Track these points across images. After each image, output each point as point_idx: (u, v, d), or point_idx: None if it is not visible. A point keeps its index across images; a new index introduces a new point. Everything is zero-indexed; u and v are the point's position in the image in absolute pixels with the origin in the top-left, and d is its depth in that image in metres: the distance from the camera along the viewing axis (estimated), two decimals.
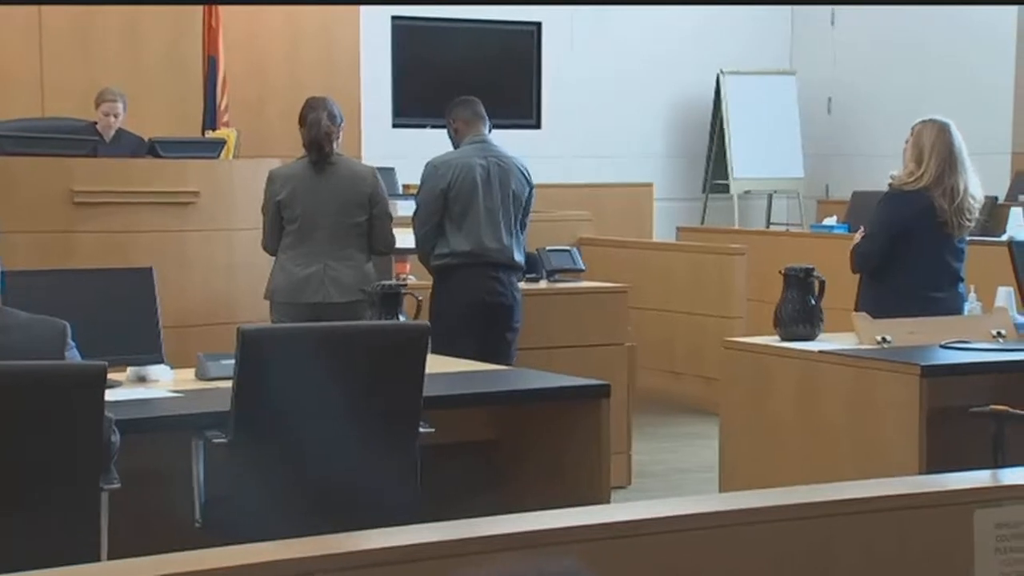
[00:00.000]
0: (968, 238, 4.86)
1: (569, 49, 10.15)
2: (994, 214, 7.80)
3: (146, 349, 3.57)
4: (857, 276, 4.86)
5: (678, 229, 9.21)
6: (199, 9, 7.93)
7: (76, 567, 1.66)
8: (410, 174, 6.34)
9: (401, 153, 8.24)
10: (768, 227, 10.45)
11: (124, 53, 7.88)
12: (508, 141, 9.16)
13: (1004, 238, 6.78)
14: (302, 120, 4.95)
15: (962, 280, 4.80)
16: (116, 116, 6.79)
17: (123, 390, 3.42)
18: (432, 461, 3.65)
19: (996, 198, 8.15)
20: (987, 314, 4.63)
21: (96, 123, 6.78)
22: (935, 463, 3.97)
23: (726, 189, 10.20)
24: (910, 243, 4.68)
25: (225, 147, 6.33)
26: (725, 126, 10.14)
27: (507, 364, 4.83)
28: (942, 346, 4.34)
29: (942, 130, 4.70)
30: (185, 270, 5.59)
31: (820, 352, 4.31)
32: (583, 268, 5.85)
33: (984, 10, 9.62)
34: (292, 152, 5.14)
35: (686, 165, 10.56)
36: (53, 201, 5.41)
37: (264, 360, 3.00)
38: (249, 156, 6.64)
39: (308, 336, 3.12)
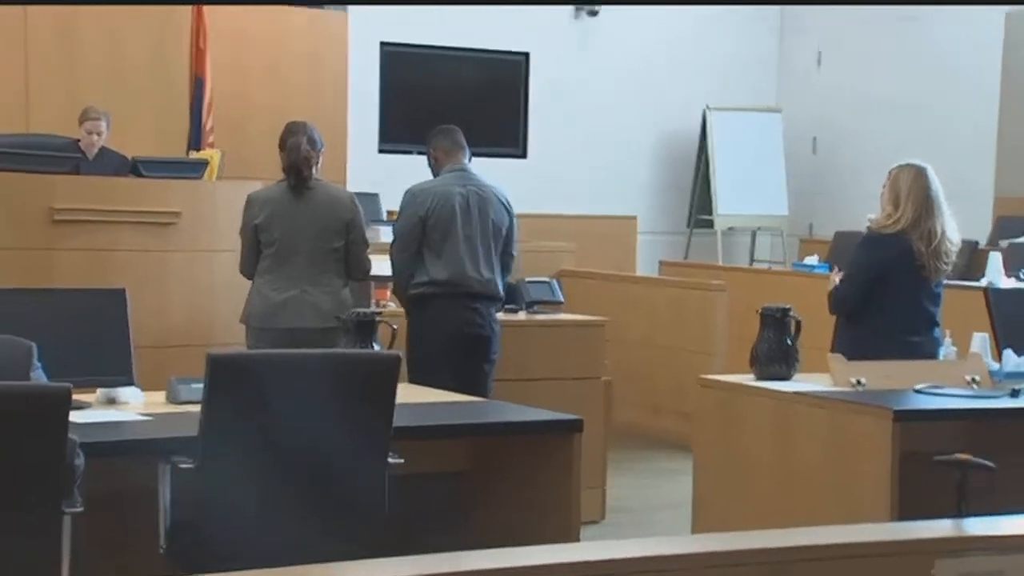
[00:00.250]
0: (945, 283, 4.87)
1: (557, 79, 10.19)
2: (974, 259, 7.83)
3: (117, 371, 3.55)
4: (835, 317, 4.87)
5: (661, 263, 9.22)
6: (186, 29, 7.94)
7: None
8: (395, 200, 6.34)
9: (386, 179, 8.24)
10: (751, 264, 10.47)
11: (110, 72, 7.88)
12: (493, 170, 9.21)
13: (983, 282, 6.80)
14: (282, 144, 4.95)
15: (938, 325, 4.81)
16: (99, 134, 6.78)
17: (92, 412, 3.39)
18: (402, 491, 3.63)
19: (977, 243, 8.19)
20: (962, 360, 4.63)
21: (79, 141, 6.77)
22: (908, 507, 3.97)
23: (710, 224, 10.23)
24: (888, 286, 4.69)
25: (208, 168, 6.32)
26: (710, 161, 10.17)
27: (484, 395, 4.82)
28: (916, 390, 4.34)
29: (919, 174, 4.72)
30: (165, 290, 5.57)
31: (794, 393, 4.30)
32: (562, 300, 5.85)
33: (969, 54, 9.70)
34: (276, 175, 5.13)
35: (671, 199, 10.59)
36: (33, 218, 5.39)
37: (232, 386, 2.98)
38: (233, 177, 6.64)
39: (277, 363, 3.10)
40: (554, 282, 5.86)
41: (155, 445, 3.15)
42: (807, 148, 10.75)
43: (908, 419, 4.04)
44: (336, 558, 2.20)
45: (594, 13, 10.27)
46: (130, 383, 3.58)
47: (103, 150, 6.79)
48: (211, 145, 7.83)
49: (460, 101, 9.95)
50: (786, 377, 4.44)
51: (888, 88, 10.15)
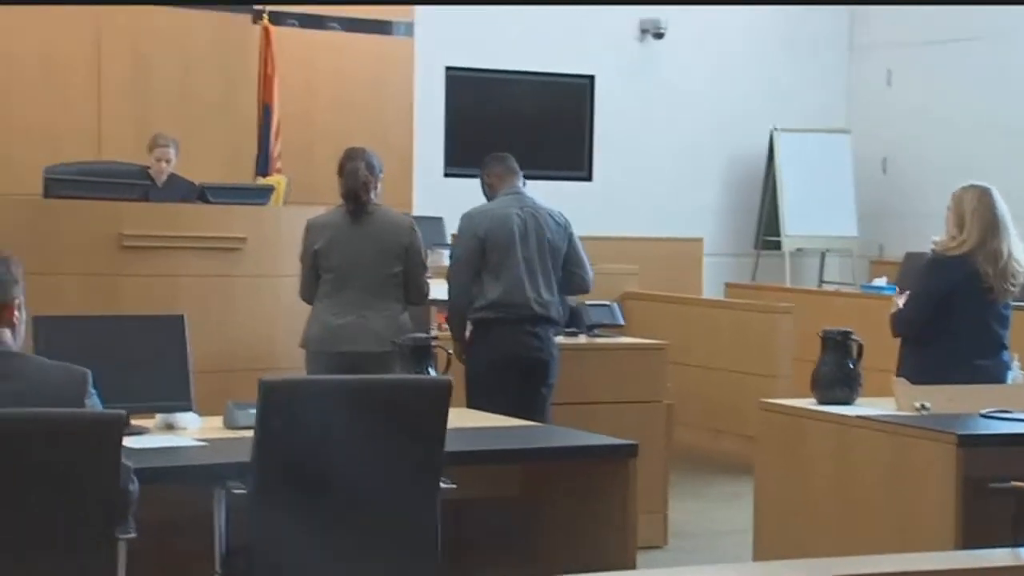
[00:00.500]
0: (1014, 304, 4.79)
1: (622, 102, 10.17)
2: None
3: (175, 396, 3.59)
4: (900, 339, 4.81)
5: (726, 285, 9.15)
6: (254, 57, 8.06)
7: None
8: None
9: (452, 202, 8.27)
10: (820, 286, 10.36)
11: (181, 99, 8.00)
12: (559, 193, 9.25)
13: None
14: (340, 170, 4.99)
15: (1006, 347, 4.72)
16: (168, 161, 6.89)
17: (149, 437, 3.44)
18: (455, 517, 3.63)
19: None
20: None
21: (149, 168, 6.89)
22: (973, 535, 3.89)
23: (778, 246, 10.14)
24: (953, 309, 4.62)
25: (275, 193, 6.39)
26: (777, 183, 10.09)
27: (542, 419, 4.81)
28: (982, 415, 4.26)
29: (983, 195, 4.66)
30: (230, 315, 5.63)
31: (856, 417, 4.25)
32: (623, 323, 5.83)
33: None
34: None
35: (738, 221, 10.52)
36: (102, 244, 5.48)
37: (284, 412, 3.01)
38: (299, 203, 6.70)
39: (328, 388, 3.12)
40: (615, 305, 5.85)
41: (210, 471, 3.18)
42: (877, 169, 10.63)
43: (973, 444, 3.97)
44: None
45: (660, 36, 10.25)
46: (188, 408, 3.63)
47: (172, 176, 6.90)
48: (278, 171, 7.92)
49: (525, 124, 9.97)
50: (848, 401, 4.39)
51: (958, 107, 10.01)
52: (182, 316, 3.72)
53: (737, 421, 7.29)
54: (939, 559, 2.48)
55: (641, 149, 10.19)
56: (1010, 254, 4.63)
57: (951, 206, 4.72)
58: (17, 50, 7.63)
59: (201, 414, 3.74)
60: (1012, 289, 4.68)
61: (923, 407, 4.23)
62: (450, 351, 4.37)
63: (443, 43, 9.40)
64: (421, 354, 3.92)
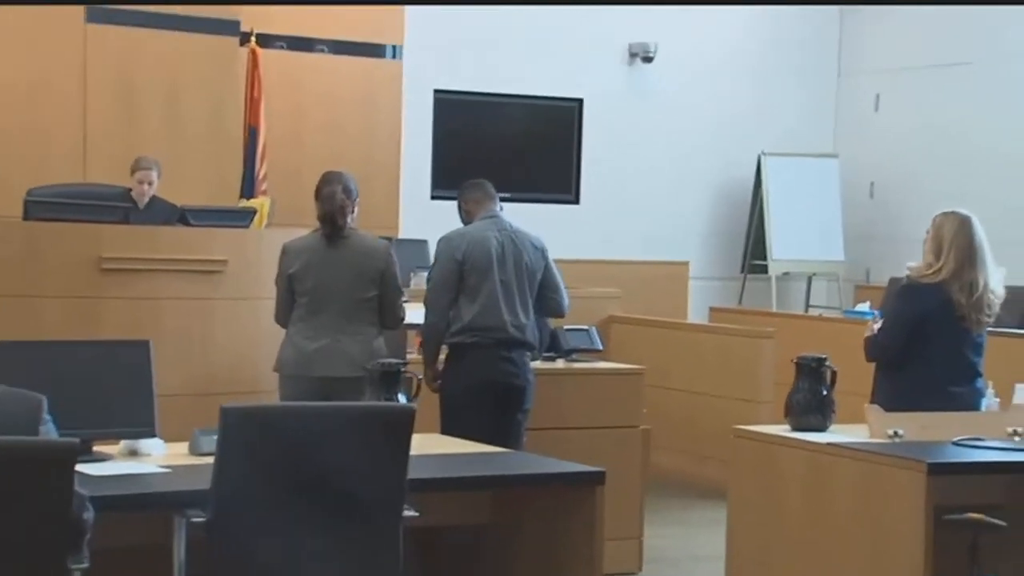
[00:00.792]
0: (990, 330, 4.78)
1: (610, 125, 10.19)
2: None
3: (140, 422, 3.58)
4: (875, 365, 4.80)
5: (711, 309, 9.15)
6: (241, 80, 8.08)
7: None
8: None
9: (439, 226, 8.27)
10: (807, 310, 10.36)
11: (166, 122, 8.02)
12: (546, 215, 9.27)
13: None
14: (317, 193, 5.00)
15: (980, 375, 4.71)
16: (150, 183, 6.90)
17: (111, 464, 3.43)
18: (421, 544, 3.62)
19: None
20: (1004, 411, 4.54)
21: (131, 190, 6.89)
22: (943, 563, 3.89)
23: (765, 270, 10.14)
24: (927, 336, 4.61)
25: (257, 216, 6.39)
26: (765, 207, 10.11)
27: (516, 446, 4.81)
28: (954, 443, 4.25)
29: (963, 223, 4.64)
30: (211, 338, 5.62)
31: (828, 444, 4.24)
32: (601, 348, 5.82)
33: None
34: None
35: (725, 245, 10.52)
36: (82, 267, 5.47)
37: (244, 439, 3.00)
38: (285, 225, 6.70)
39: (290, 415, 3.12)
40: (593, 330, 5.84)
41: (169, 498, 3.17)
42: (864, 193, 10.64)
43: (943, 472, 3.96)
44: None
45: (648, 59, 10.28)
46: (152, 435, 3.61)
47: (154, 199, 6.90)
48: (264, 193, 7.94)
49: (513, 148, 9.99)
50: (821, 428, 4.38)
51: (946, 132, 10.03)
52: (148, 341, 3.71)
53: (719, 446, 7.25)
54: None
55: (629, 173, 10.21)
56: (986, 285, 4.62)
57: (930, 231, 4.71)
58: (3, 72, 7.65)
59: (179, 439, 3.73)
60: (987, 320, 4.67)
61: (896, 434, 4.23)
62: (420, 376, 4.37)
63: (431, 66, 9.43)
64: (390, 380, 3.91)
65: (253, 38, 8.18)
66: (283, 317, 5.03)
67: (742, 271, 10.35)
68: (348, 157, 8.23)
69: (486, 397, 4.96)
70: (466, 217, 5.21)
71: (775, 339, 7.27)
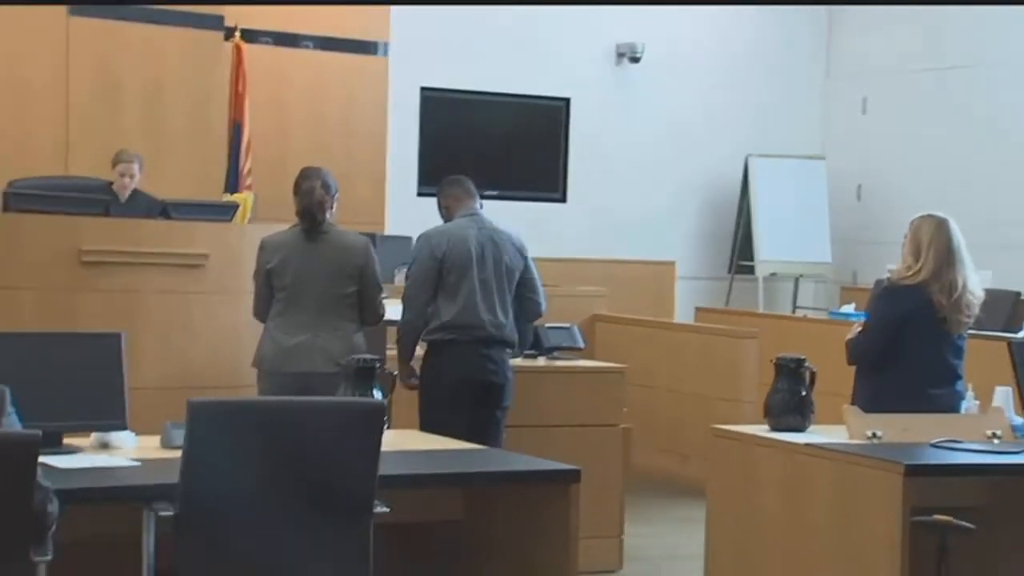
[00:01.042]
0: (970, 333, 4.77)
1: (597, 125, 10.18)
2: (1016, 310, 7.69)
3: (111, 415, 3.55)
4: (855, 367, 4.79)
5: (696, 309, 9.15)
6: (225, 75, 8.04)
7: None
8: None
9: (425, 222, 8.24)
10: (794, 311, 10.36)
11: (150, 117, 7.98)
12: (532, 213, 9.25)
13: (1022, 335, 6.66)
14: (296, 189, 4.98)
15: (960, 377, 4.71)
16: (132, 177, 6.86)
17: (81, 456, 3.40)
18: (399, 540, 3.60)
19: (1019, 293, 8.03)
20: (983, 414, 4.53)
21: (113, 183, 6.86)
22: (920, 564, 3.87)
23: (752, 271, 10.14)
24: (907, 338, 4.61)
25: (240, 210, 6.36)
26: (752, 208, 10.10)
27: (495, 443, 4.79)
28: (932, 445, 4.24)
29: (940, 225, 4.65)
30: (191, 332, 5.60)
31: (806, 445, 4.22)
32: (582, 346, 5.80)
33: (1016, 102, 9.56)
34: None
35: (712, 245, 10.52)
36: (61, 260, 5.44)
37: (212, 433, 2.98)
38: (269, 220, 6.67)
39: (257, 410, 3.09)
40: (575, 328, 5.82)
41: (138, 492, 3.14)
42: (851, 195, 10.64)
43: (919, 474, 3.94)
44: None
45: (636, 60, 10.27)
46: (123, 427, 3.59)
47: (135, 192, 6.87)
48: (248, 188, 7.91)
49: (500, 145, 9.98)
50: (800, 428, 4.36)
51: (933, 135, 10.03)
52: (120, 334, 3.68)
53: (702, 446, 7.25)
54: None
55: (616, 172, 10.20)
56: (965, 285, 4.62)
57: (908, 234, 4.72)
58: None
59: (158, 433, 3.70)
60: (966, 321, 4.66)
61: (875, 436, 4.21)
62: (395, 372, 4.34)
63: (418, 63, 9.41)
64: (365, 376, 3.88)
65: (238, 33, 8.15)
66: (262, 312, 5.01)
67: (729, 271, 10.35)
68: (333, 153, 8.21)
69: (465, 394, 4.94)
70: (446, 214, 5.19)
71: (759, 339, 7.26)
